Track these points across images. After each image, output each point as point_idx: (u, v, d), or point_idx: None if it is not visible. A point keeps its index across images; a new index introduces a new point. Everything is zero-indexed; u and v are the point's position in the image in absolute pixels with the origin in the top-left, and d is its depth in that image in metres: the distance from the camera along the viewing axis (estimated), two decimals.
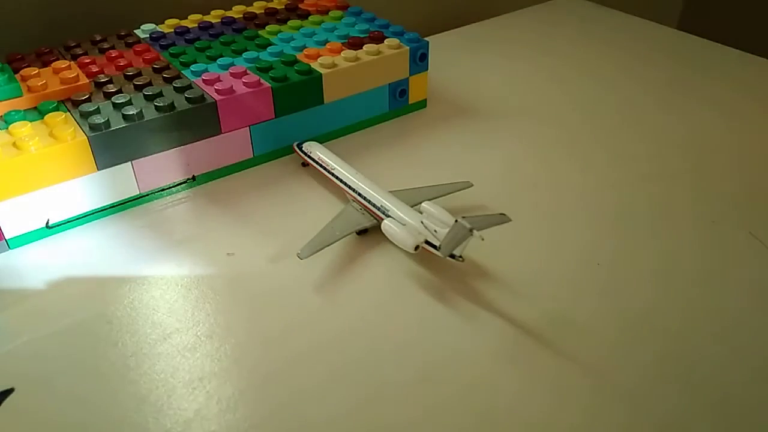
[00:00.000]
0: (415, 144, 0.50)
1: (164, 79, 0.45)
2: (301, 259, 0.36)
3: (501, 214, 0.36)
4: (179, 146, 0.43)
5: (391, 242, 0.38)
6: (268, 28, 0.52)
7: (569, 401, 0.30)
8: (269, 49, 0.49)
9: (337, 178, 0.43)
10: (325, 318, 0.35)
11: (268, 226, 0.41)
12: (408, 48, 0.50)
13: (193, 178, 0.44)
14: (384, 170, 0.45)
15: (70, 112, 0.41)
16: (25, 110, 0.41)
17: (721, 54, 0.64)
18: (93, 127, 0.39)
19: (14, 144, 0.38)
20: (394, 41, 0.50)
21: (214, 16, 0.54)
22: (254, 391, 0.31)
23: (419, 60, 0.51)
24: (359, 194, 0.41)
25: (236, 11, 0.56)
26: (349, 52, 0.48)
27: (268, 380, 0.31)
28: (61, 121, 0.39)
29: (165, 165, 0.43)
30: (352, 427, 0.29)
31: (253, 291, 0.36)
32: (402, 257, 0.38)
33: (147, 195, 0.43)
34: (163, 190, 0.43)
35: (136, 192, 0.42)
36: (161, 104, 0.41)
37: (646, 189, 0.44)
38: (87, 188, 0.40)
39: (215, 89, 0.43)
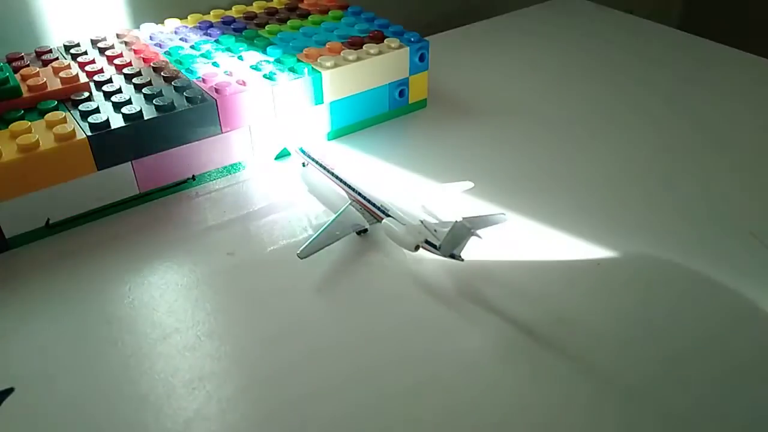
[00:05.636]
0: (415, 144, 0.50)
1: (164, 78, 0.45)
2: (301, 258, 0.36)
3: (501, 213, 0.36)
4: (179, 146, 0.43)
5: (391, 242, 0.38)
6: (268, 28, 0.52)
7: (571, 401, 0.30)
8: (269, 49, 0.49)
9: (337, 178, 0.43)
10: (324, 317, 0.35)
11: (268, 226, 0.41)
12: (408, 48, 0.50)
13: (193, 178, 0.44)
14: (384, 170, 0.45)
15: (69, 111, 0.41)
16: (25, 110, 0.41)
17: (721, 54, 0.64)
18: (93, 127, 0.39)
19: (14, 144, 0.38)
20: (394, 41, 0.50)
21: (214, 16, 0.54)
22: (254, 390, 0.31)
23: (419, 60, 0.51)
24: (359, 194, 0.41)
25: (236, 11, 0.56)
26: (349, 52, 0.48)
27: (268, 380, 0.31)
28: (60, 121, 0.39)
29: (165, 165, 0.43)
30: (352, 425, 0.29)
31: (253, 291, 0.36)
32: (402, 257, 0.38)
33: (147, 195, 0.43)
34: (163, 190, 0.43)
35: (136, 192, 0.42)
36: (161, 104, 0.41)
37: (647, 188, 0.44)
38: (87, 188, 0.40)
39: (215, 89, 0.43)
